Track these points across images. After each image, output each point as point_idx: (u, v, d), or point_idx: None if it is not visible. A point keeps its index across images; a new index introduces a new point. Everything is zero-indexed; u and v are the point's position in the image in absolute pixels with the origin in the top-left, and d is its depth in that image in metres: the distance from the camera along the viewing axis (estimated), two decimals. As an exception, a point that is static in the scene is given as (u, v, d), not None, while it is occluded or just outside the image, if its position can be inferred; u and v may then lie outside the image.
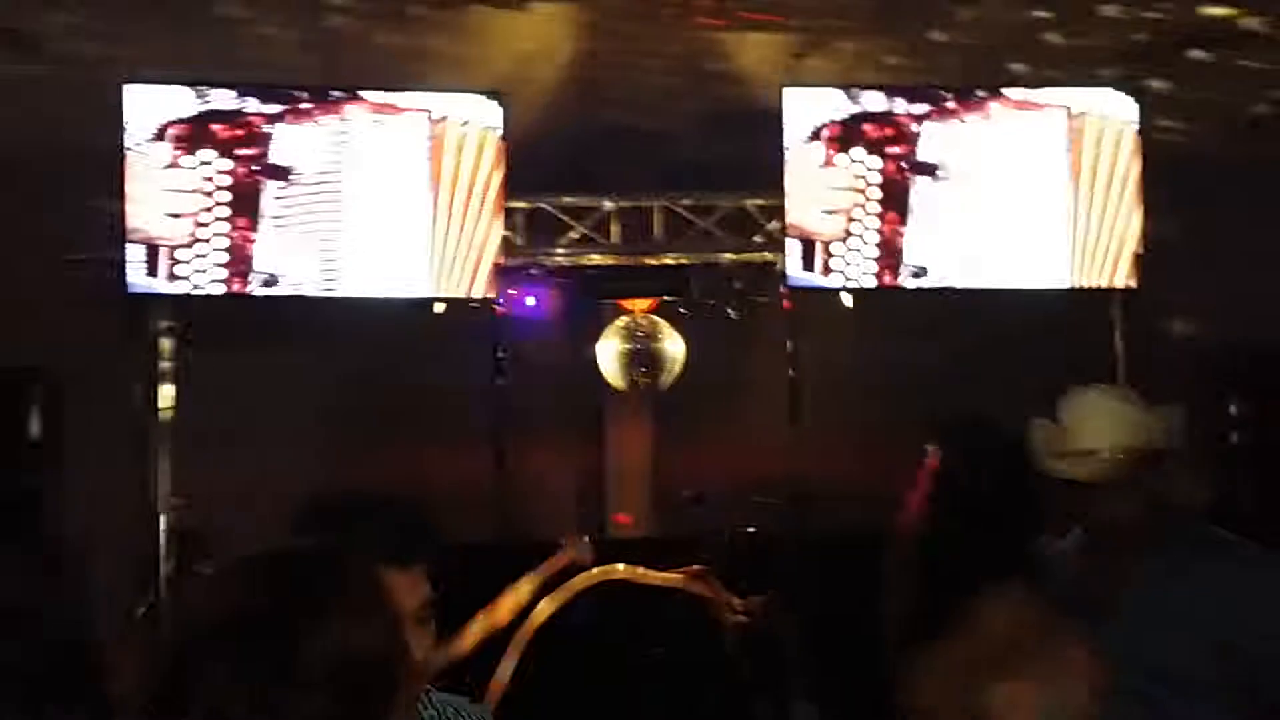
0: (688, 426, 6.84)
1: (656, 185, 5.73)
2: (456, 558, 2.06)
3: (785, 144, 5.17)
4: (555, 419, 6.82)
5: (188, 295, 4.92)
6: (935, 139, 5.20)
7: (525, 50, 5.50)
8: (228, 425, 5.73)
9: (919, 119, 5.19)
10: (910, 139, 5.18)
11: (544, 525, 6.22)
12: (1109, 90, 5.33)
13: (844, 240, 5.18)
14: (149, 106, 4.83)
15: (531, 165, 5.44)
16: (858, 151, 5.17)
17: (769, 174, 5.27)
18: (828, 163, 5.17)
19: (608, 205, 5.65)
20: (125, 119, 4.81)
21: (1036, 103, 5.30)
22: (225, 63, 5.14)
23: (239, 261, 4.88)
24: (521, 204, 5.55)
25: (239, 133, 4.86)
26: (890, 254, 5.19)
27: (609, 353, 6.29)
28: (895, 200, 5.18)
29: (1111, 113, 5.28)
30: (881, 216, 5.18)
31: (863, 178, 5.18)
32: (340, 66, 5.40)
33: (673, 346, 6.28)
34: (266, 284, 4.91)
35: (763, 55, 5.58)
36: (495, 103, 4.97)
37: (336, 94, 4.98)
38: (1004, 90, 5.29)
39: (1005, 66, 5.57)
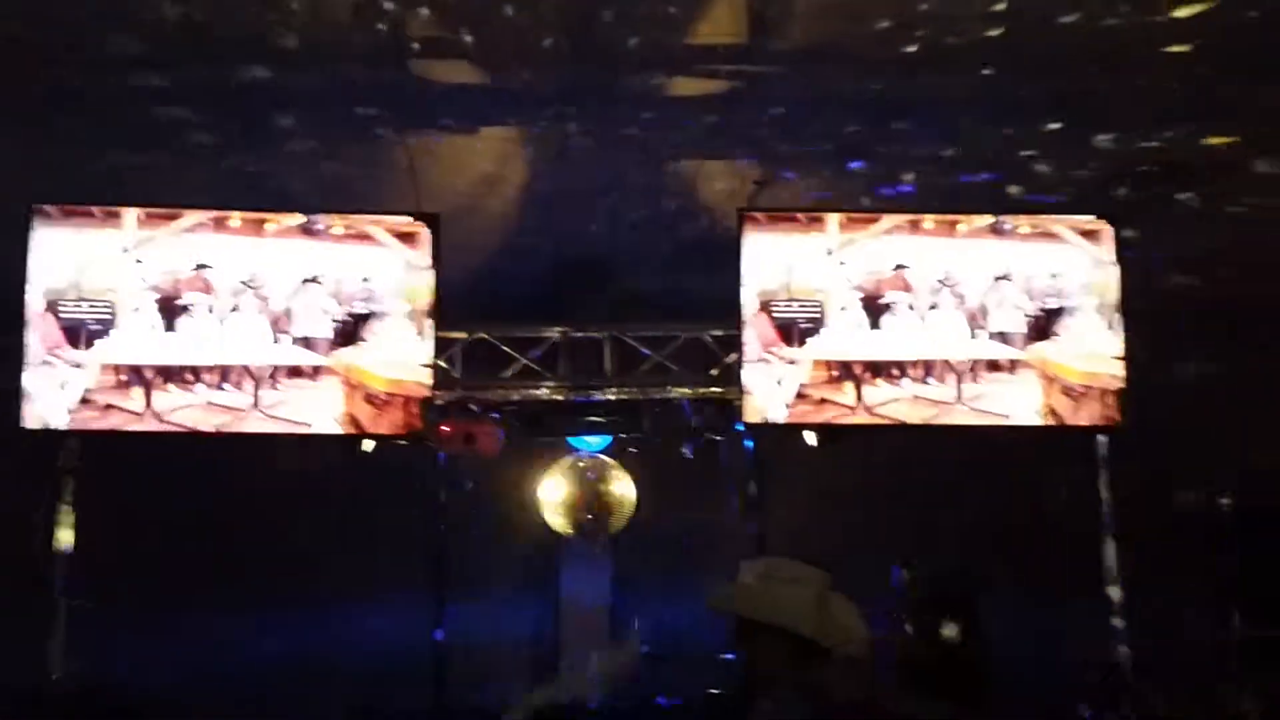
0: (648, 575, 6.41)
1: (606, 315, 5.41)
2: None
3: (744, 272, 4.81)
4: (501, 568, 6.34)
5: (90, 431, 4.55)
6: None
7: (472, 176, 5.22)
8: (129, 579, 5.19)
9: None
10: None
11: (490, 690, 5.67)
12: (1087, 219, 4.99)
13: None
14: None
15: (473, 294, 5.11)
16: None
17: (727, 304, 4.89)
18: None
19: (554, 336, 5.30)
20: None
21: (1010, 230, 4.96)
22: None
23: (147, 394, 4.50)
24: (460, 334, 5.19)
25: (152, 257, 4.53)
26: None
27: (554, 495, 5.89)
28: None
29: (1089, 242, 4.94)
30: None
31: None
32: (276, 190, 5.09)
33: (622, 489, 5.89)
34: (175, 420, 4.50)
35: (722, 182, 5.29)
36: (424, 225, 4.63)
37: (262, 215, 4.66)
38: (975, 216, 4.96)
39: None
